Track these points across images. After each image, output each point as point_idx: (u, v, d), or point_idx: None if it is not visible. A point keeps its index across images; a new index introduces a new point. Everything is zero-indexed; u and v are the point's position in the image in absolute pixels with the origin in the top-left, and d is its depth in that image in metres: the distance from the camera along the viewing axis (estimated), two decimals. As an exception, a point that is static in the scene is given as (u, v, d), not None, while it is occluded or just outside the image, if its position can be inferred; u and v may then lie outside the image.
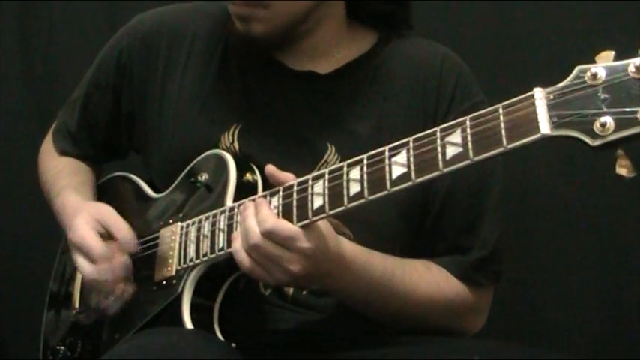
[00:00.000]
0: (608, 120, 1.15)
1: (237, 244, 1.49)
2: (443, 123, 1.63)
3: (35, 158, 2.03)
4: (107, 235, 1.69)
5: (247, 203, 1.52)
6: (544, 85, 1.24)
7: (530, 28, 2.36)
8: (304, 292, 1.67)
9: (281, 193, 1.50)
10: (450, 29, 2.07)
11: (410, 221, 1.70)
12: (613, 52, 1.18)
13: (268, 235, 1.44)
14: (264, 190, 1.62)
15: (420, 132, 1.64)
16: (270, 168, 1.52)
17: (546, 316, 2.43)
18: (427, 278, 1.65)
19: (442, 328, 1.68)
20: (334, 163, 1.65)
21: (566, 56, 2.22)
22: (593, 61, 1.20)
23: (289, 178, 1.50)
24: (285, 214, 1.48)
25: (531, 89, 1.25)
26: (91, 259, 1.67)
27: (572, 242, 2.41)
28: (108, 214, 1.72)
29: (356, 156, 1.45)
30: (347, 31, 1.75)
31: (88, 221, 1.70)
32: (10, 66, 2.75)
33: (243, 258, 1.48)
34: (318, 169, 1.64)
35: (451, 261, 1.68)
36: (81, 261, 1.69)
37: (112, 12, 2.62)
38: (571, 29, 2.32)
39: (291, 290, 1.67)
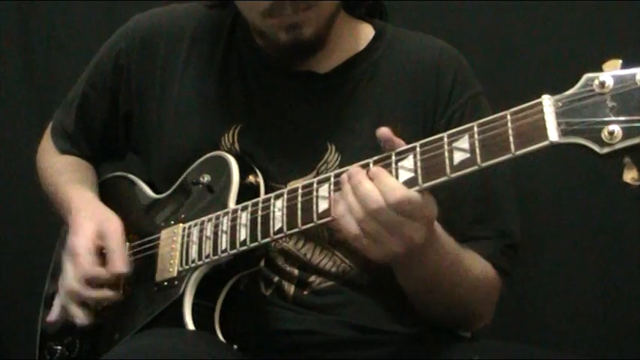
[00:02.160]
0: (616, 128, 1.16)
1: (342, 209, 1.40)
2: (443, 115, 1.68)
3: (35, 157, 2.02)
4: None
5: (354, 169, 1.41)
6: (546, 91, 1.24)
7: (534, 32, 2.37)
8: (305, 293, 1.68)
9: (285, 196, 1.50)
10: (455, 35, 2.06)
11: None
12: (620, 61, 1.18)
13: (398, 205, 1.34)
14: (266, 192, 1.63)
15: (420, 126, 1.67)
16: (384, 131, 1.41)
17: (546, 315, 2.43)
18: (477, 259, 1.62)
19: (478, 314, 1.67)
20: (334, 163, 1.67)
21: (570, 61, 2.25)
22: (599, 68, 1.20)
23: (402, 143, 1.40)
24: (290, 216, 1.48)
25: (534, 94, 1.25)
26: (79, 274, 1.68)
27: (572, 242, 2.41)
28: (114, 234, 1.71)
29: (356, 154, 1.44)
30: (345, 27, 1.75)
31: (94, 232, 1.70)
32: (10, 66, 2.74)
33: (351, 225, 1.38)
34: (318, 170, 1.67)
35: (476, 245, 1.63)
36: (69, 267, 1.69)
37: (111, 12, 2.61)
38: (574, 34, 2.33)
39: (292, 290, 1.68)
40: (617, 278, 2.38)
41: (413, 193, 1.34)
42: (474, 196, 1.67)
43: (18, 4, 2.73)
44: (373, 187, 1.35)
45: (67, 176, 1.89)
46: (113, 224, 1.72)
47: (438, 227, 1.46)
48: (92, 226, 1.71)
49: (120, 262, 1.67)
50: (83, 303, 1.71)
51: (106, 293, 1.69)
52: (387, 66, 1.73)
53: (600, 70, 1.20)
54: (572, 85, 1.22)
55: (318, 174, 1.67)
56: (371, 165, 1.40)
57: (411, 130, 1.64)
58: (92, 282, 1.68)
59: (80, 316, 1.70)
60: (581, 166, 2.29)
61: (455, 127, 1.62)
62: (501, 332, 2.07)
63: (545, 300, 2.44)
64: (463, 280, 1.57)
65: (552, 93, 1.23)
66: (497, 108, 1.29)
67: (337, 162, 1.67)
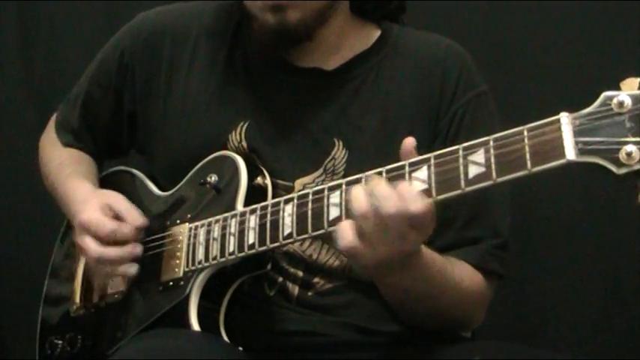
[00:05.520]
0: (634, 149, 1.16)
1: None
2: (447, 113, 1.70)
3: (35, 157, 2.02)
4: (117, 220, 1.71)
5: (374, 175, 1.40)
6: (559, 106, 1.24)
7: (551, 47, 2.39)
8: (309, 294, 1.69)
9: (295, 201, 1.49)
10: (474, 50, 2.07)
11: None
12: (638, 79, 1.18)
13: (415, 216, 1.33)
14: (273, 189, 1.65)
15: (425, 123, 1.69)
16: (410, 141, 1.40)
17: (547, 316, 2.44)
18: (464, 271, 1.63)
19: (467, 321, 1.69)
20: (342, 159, 1.68)
21: (586, 75, 2.26)
22: (616, 83, 1.20)
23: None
24: (300, 223, 1.48)
25: (549, 108, 1.26)
26: (99, 237, 1.68)
27: (573, 243, 2.43)
28: (119, 199, 1.74)
29: (363, 151, 1.45)
30: (351, 27, 1.76)
31: (99, 205, 1.72)
32: (10, 66, 2.73)
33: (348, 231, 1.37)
34: (325, 166, 1.69)
35: (465, 252, 1.65)
36: (87, 240, 1.69)
37: (112, 12, 2.61)
38: (591, 48, 2.34)
39: (296, 291, 1.69)
40: (617, 278, 2.40)
41: (431, 206, 1.34)
42: (472, 196, 1.68)
43: (18, 4, 2.72)
44: (392, 190, 1.33)
45: (69, 170, 1.89)
46: (116, 195, 1.76)
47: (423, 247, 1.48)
48: (96, 201, 1.73)
49: (136, 216, 1.71)
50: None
51: (127, 249, 1.70)
52: (394, 63, 1.75)
53: (617, 87, 1.19)
54: (587, 100, 1.22)
55: (325, 170, 1.69)
56: (384, 174, 1.39)
57: (416, 127, 1.66)
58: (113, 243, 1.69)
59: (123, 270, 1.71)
60: (581, 170, 2.30)
61: (457, 125, 1.69)
62: (501, 332, 2.09)
63: (545, 300, 2.45)
64: (447, 291, 1.58)
65: (567, 108, 1.23)
66: (513, 123, 1.28)
67: (344, 158, 1.68)
